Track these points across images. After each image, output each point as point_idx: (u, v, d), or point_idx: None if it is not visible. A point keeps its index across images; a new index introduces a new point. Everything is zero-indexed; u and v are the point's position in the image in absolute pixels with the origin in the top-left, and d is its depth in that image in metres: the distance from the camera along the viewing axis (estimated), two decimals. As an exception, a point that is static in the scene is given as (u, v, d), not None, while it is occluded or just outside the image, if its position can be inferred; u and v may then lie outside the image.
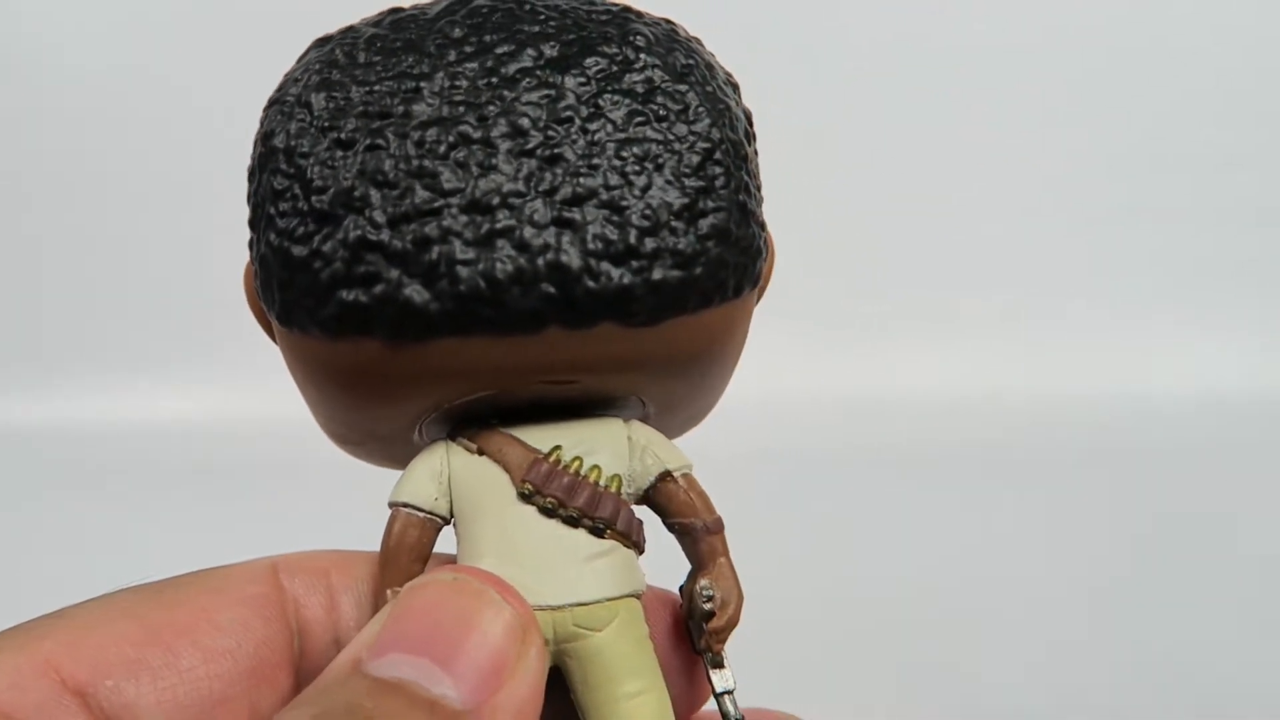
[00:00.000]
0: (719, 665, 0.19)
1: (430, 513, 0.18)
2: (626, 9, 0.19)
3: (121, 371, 0.80)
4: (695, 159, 0.17)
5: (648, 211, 0.17)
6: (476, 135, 0.16)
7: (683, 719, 0.19)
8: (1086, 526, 0.58)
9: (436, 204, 0.16)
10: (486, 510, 0.18)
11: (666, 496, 0.19)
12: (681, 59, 0.18)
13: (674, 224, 0.17)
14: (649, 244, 0.17)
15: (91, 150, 0.81)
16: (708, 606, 0.18)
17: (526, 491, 0.18)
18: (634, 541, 0.18)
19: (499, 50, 0.17)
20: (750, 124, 0.19)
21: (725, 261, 0.17)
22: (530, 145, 0.17)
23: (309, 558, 0.20)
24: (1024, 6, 0.80)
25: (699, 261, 0.17)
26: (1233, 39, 0.80)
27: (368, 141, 0.16)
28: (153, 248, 0.81)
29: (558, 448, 0.18)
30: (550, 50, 0.17)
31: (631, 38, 0.18)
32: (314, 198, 0.16)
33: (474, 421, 0.19)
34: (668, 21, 0.19)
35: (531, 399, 0.18)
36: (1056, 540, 0.56)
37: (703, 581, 0.19)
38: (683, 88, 0.17)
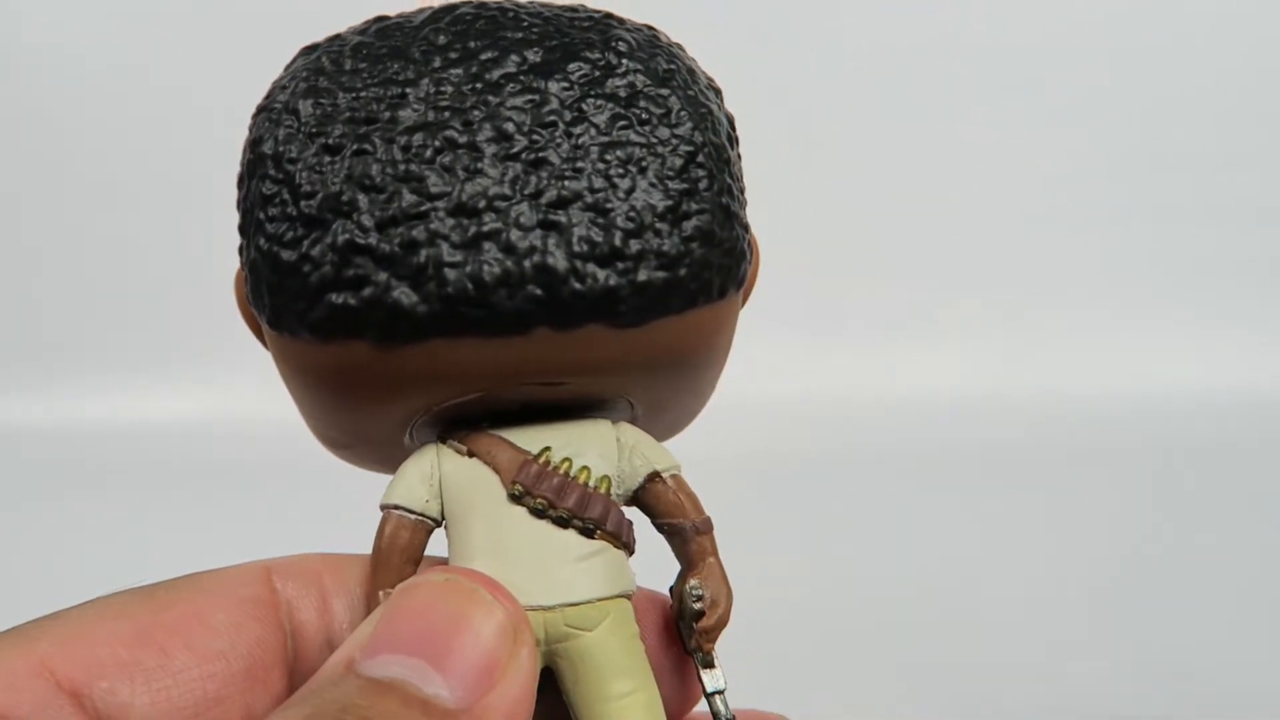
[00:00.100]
0: (709, 665, 0.19)
1: (421, 515, 0.18)
2: (609, 15, 0.19)
3: (121, 371, 0.80)
4: (678, 162, 0.17)
5: (632, 214, 0.17)
6: (462, 140, 0.17)
7: (674, 719, 0.19)
8: (1086, 526, 0.58)
9: (423, 207, 0.16)
10: (477, 512, 0.18)
11: (655, 497, 0.19)
12: (663, 64, 0.18)
13: (658, 226, 0.17)
14: (634, 246, 0.17)
15: (91, 150, 0.81)
16: (697, 606, 0.19)
17: (517, 493, 0.18)
18: (624, 542, 0.19)
19: (483, 56, 0.17)
20: (733, 128, 0.19)
21: (709, 263, 0.17)
22: (515, 149, 0.17)
23: (301, 560, 0.20)
24: (1024, 6, 0.80)
25: (683, 263, 0.17)
26: (1233, 39, 0.80)
27: (355, 147, 0.17)
28: (152, 248, 0.81)
29: (547, 449, 0.18)
30: (534, 56, 0.17)
31: (614, 43, 0.18)
32: (302, 203, 0.17)
33: (464, 424, 0.19)
34: (649, 28, 0.19)
35: (520, 401, 0.18)
36: (1056, 540, 0.56)
37: (692, 581, 0.19)
38: (665, 92, 0.18)
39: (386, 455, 0.20)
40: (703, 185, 0.17)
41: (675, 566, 0.20)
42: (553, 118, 0.17)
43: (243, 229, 0.18)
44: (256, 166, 0.17)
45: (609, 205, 0.17)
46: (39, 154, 0.81)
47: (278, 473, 0.62)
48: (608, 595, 0.18)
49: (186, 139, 0.79)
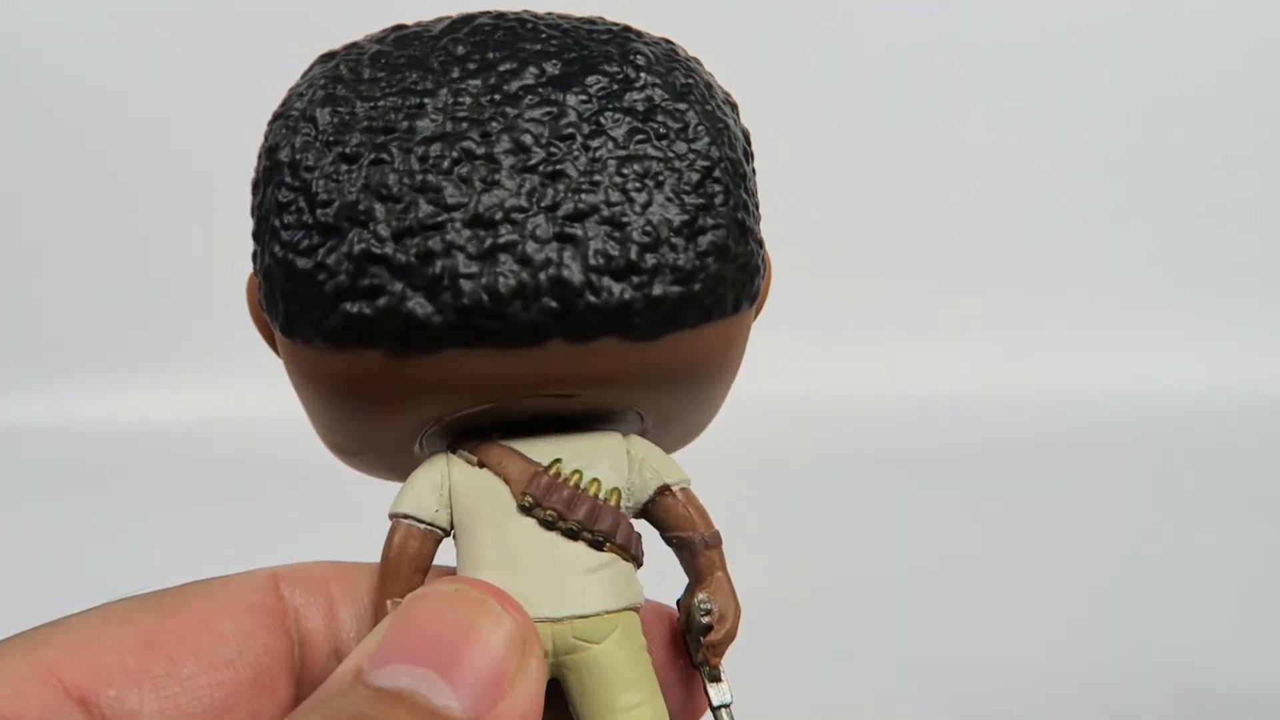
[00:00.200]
0: (716, 679, 0.19)
1: (431, 524, 0.18)
2: (627, 29, 0.19)
3: (121, 371, 0.80)
4: (695, 176, 0.17)
5: (648, 228, 0.17)
6: (480, 151, 0.17)
7: (679, 733, 0.19)
8: (1086, 526, 0.58)
9: (440, 218, 0.16)
10: (487, 522, 0.18)
11: (665, 510, 0.19)
12: (681, 78, 0.18)
13: (674, 240, 0.17)
14: (649, 260, 0.17)
15: (91, 150, 0.81)
16: (705, 620, 0.19)
17: (527, 504, 0.18)
18: (633, 555, 0.19)
19: (502, 68, 0.17)
20: (748, 143, 0.19)
21: (724, 278, 0.17)
22: (533, 161, 0.17)
23: (309, 568, 0.20)
24: (1024, 6, 0.80)
25: (698, 278, 0.17)
26: (1233, 39, 0.80)
27: (372, 156, 0.17)
28: (153, 248, 0.81)
29: (558, 461, 0.18)
30: (552, 68, 0.17)
31: (632, 57, 0.18)
32: (319, 211, 0.17)
33: (474, 434, 0.19)
34: (667, 41, 0.19)
35: (532, 412, 0.18)
36: (1056, 540, 0.56)
37: (701, 595, 0.19)
38: (682, 106, 0.18)
39: (396, 464, 0.20)
40: (719, 200, 0.17)
41: (681, 579, 0.20)
42: (570, 130, 0.17)
43: (257, 235, 0.18)
44: (273, 173, 0.17)
45: (625, 219, 0.17)
46: (39, 154, 0.81)
47: (278, 473, 0.62)
48: (616, 608, 0.18)
49: (186, 139, 0.79)
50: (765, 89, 0.71)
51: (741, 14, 0.78)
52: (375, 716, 0.14)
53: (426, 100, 0.17)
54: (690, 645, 0.19)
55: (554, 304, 0.16)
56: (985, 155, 0.81)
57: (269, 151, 0.18)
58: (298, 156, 0.17)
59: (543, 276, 0.16)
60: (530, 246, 0.16)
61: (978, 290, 0.81)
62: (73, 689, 0.16)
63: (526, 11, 0.19)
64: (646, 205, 0.17)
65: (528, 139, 0.17)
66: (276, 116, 0.18)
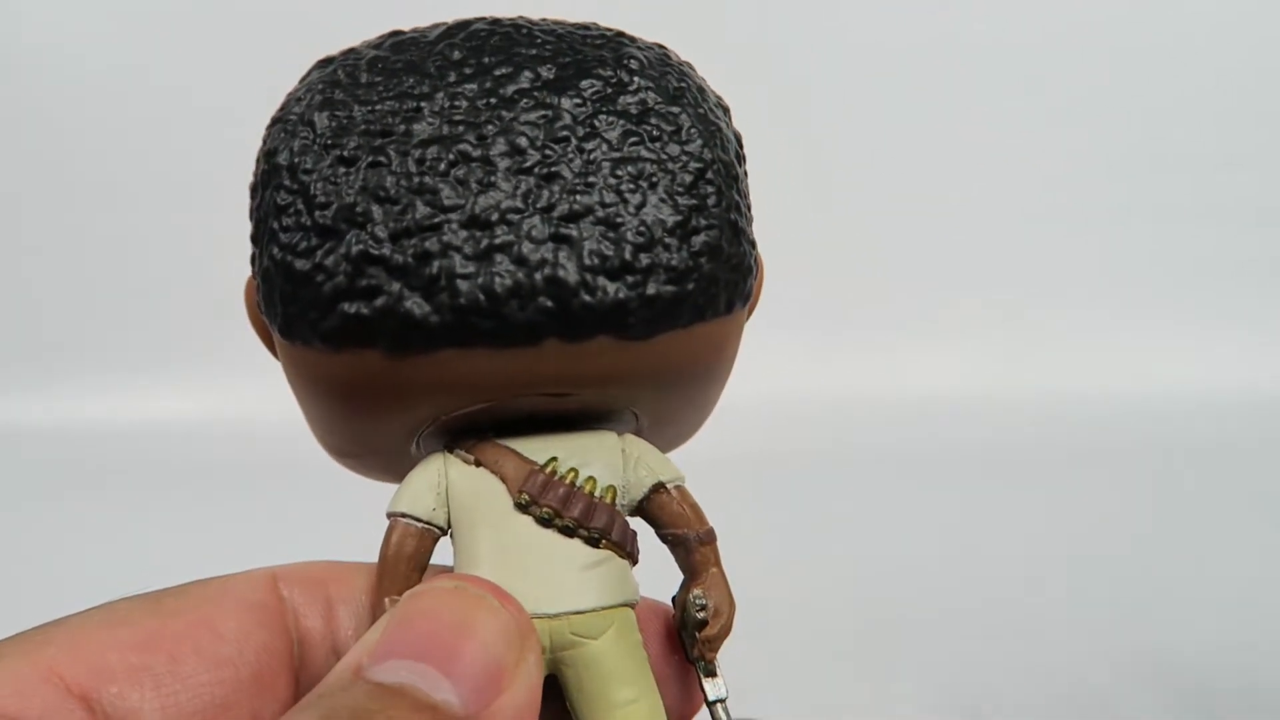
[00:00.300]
0: (712, 674, 0.19)
1: (428, 523, 0.18)
2: (620, 34, 0.19)
3: (121, 371, 0.80)
4: (688, 178, 0.17)
5: (642, 228, 0.17)
6: (476, 153, 0.17)
7: (676, 729, 0.19)
8: (1086, 526, 0.58)
9: (437, 219, 0.17)
10: (484, 520, 0.18)
11: (659, 507, 0.19)
12: (674, 82, 0.18)
13: (667, 240, 0.17)
14: (643, 260, 0.17)
15: (91, 150, 0.81)
16: (701, 616, 0.19)
17: (523, 502, 0.18)
18: (628, 552, 0.19)
19: (497, 72, 0.17)
20: (740, 146, 0.20)
21: (717, 278, 0.18)
22: (528, 163, 0.17)
23: (307, 568, 0.20)
24: (1024, 6, 0.80)
25: (692, 277, 0.17)
26: (1233, 39, 0.80)
27: (370, 159, 0.17)
28: (153, 248, 0.81)
29: (554, 459, 0.18)
30: (547, 72, 0.18)
31: (626, 61, 0.18)
32: (317, 213, 0.17)
33: (471, 433, 0.19)
34: (660, 46, 0.19)
35: (527, 411, 0.18)
36: (1056, 540, 0.56)
37: (695, 591, 0.19)
38: (675, 109, 0.18)
39: (393, 465, 0.20)
40: (711, 202, 0.18)
41: (675, 577, 0.20)
42: (565, 133, 0.17)
43: (255, 238, 0.18)
44: (271, 177, 0.18)
45: (619, 220, 0.17)
46: (39, 154, 0.81)
47: (278, 473, 0.62)
48: (612, 604, 0.18)
49: (186, 139, 0.79)
50: (765, 89, 0.72)
51: (740, 14, 0.79)
52: (375, 711, 0.14)
53: (423, 104, 0.17)
54: (685, 641, 0.19)
55: (549, 303, 0.17)
56: (985, 155, 0.81)
57: (267, 155, 0.18)
58: (296, 160, 0.17)
59: (538, 276, 0.16)
60: (526, 247, 0.17)
61: (978, 290, 0.81)
62: (74, 687, 0.16)
63: (521, 17, 0.19)
64: (640, 206, 0.17)
65: (523, 141, 0.17)
66: (275, 121, 0.18)
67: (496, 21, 0.19)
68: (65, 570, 0.56)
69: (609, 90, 0.18)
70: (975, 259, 0.81)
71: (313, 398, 0.19)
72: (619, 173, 0.17)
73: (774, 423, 0.69)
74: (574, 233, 0.17)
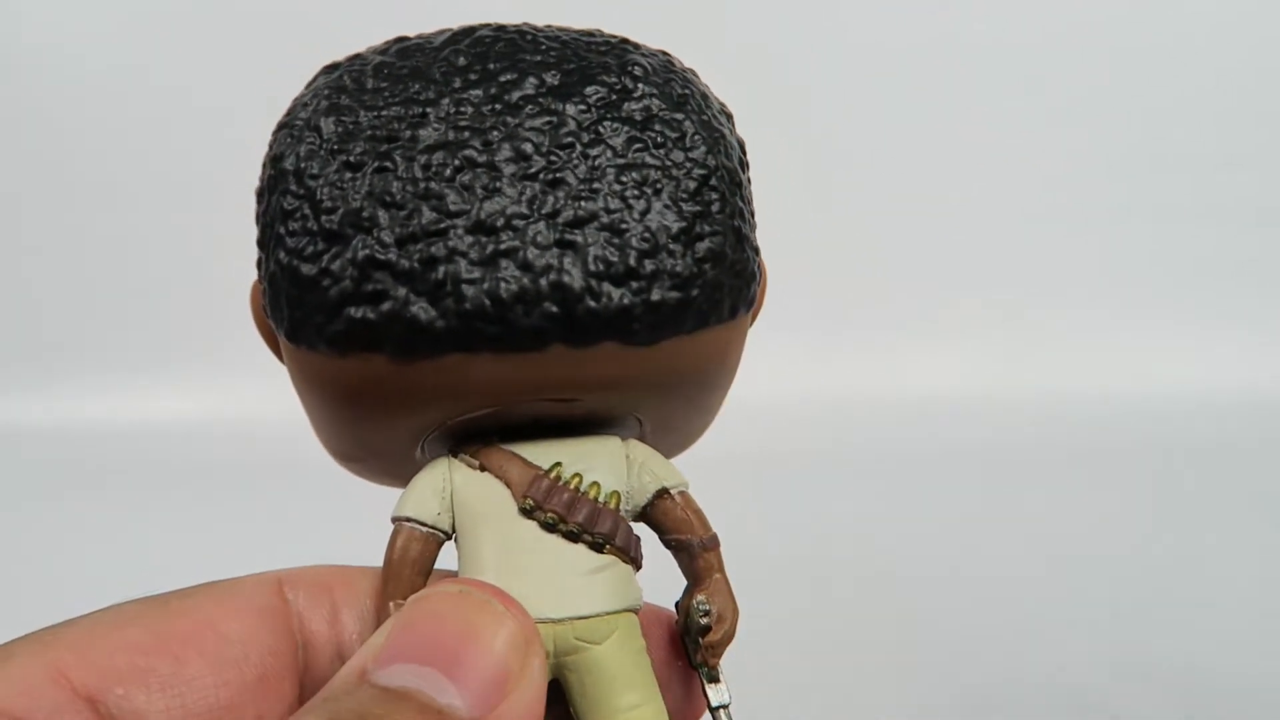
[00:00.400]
0: (715, 680, 0.19)
1: (433, 527, 0.18)
2: (625, 41, 0.19)
3: (121, 371, 0.80)
4: (692, 184, 0.18)
5: (646, 234, 0.17)
6: (481, 159, 0.17)
7: (679, 734, 0.19)
8: (1086, 526, 0.58)
9: (443, 225, 0.17)
10: (488, 525, 0.18)
11: (663, 513, 0.19)
12: (678, 88, 0.18)
13: (672, 247, 0.17)
14: (648, 266, 0.17)
15: (91, 150, 0.81)
16: (704, 621, 0.19)
17: (528, 507, 0.18)
18: (632, 557, 0.19)
19: (503, 78, 0.18)
20: (744, 152, 0.20)
21: (721, 284, 0.18)
22: (533, 169, 0.17)
23: (312, 572, 0.20)
24: (1024, 6, 0.80)
25: (696, 283, 0.17)
26: (1233, 39, 0.80)
27: (376, 164, 0.17)
28: (153, 248, 0.81)
29: (558, 464, 0.19)
30: (552, 79, 0.18)
31: (630, 68, 0.18)
32: (323, 218, 0.17)
33: (476, 438, 0.19)
34: (664, 53, 0.20)
35: (532, 417, 0.18)
36: (1056, 540, 0.56)
37: (699, 597, 0.19)
38: (679, 116, 0.18)
39: (397, 469, 0.20)
40: (715, 208, 0.18)
41: (678, 582, 0.20)
42: (570, 139, 0.17)
43: (262, 243, 0.18)
44: (278, 182, 0.18)
45: (624, 226, 0.17)
46: (39, 154, 0.81)
47: (278, 473, 0.62)
48: (616, 609, 0.18)
49: (186, 139, 0.79)
50: (765, 89, 0.72)
51: (741, 15, 0.79)
52: (381, 715, 0.14)
53: (429, 110, 0.17)
54: (689, 646, 0.19)
55: (554, 309, 0.17)
56: (985, 155, 0.81)
57: (274, 160, 0.18)
58: (302, 165, 0.17)
59: (543, 282, 0.17)
60: (531, 252, 0.17)
61: (978, 290, 0.81)
62: (81, 688, 0.16)
63: (526, 24, 0.19)
64: (645, 212, 0.17)
65: (528, 147, 0.17)
66: (281, 126, 0.18)
67: (501, 28, 0.19)
68: (65, 570, 0.56)
69: (613, 97, 0.18)
70: (975, 259, 0.81)
71: (318, 402, 0.19)
72: (623, 179, 0.17)
73: (774, 423, 0.69)
74: (579, 238, 0.17)
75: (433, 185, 0.17)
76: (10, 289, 0.83)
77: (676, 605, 0.20)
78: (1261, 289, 0.82)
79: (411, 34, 0.19)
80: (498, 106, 0.17)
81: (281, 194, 0.17)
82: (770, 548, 0.52)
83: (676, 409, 0.20)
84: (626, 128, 0.17)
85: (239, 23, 0.78)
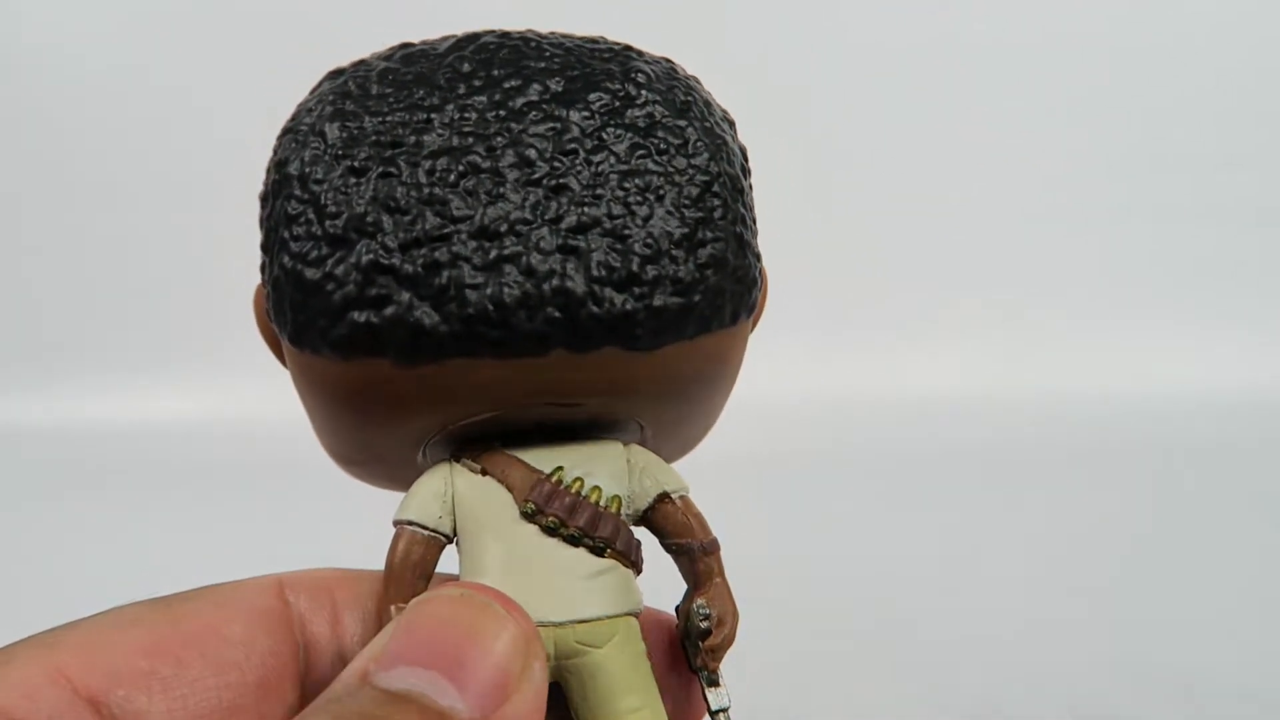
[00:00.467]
0: (714, 684, 0.19)
1: (434, 531, 0.19)
2: (628, 48, 0.19)
3: (121, 371, 0.80)
4: (694, 191, 0.18)
5: (649, 240, 0.17)
6: (485, 165, 0.17)
7: (679, 737, 0.19)
8: (1086, 526, 0.58)
9: (446, 230, 0.17)
10: (489, 529, 0.18)
11: (664, 517, 0.19)
12: (681, 95, 0.18)
13: (674, 253, 0.17)
14: (650, 271, 0.17)
15: (91, 150, 0.81)
16: (704, 625, 0.19)
17: (529, 511, 0.18)
18: (632, 561, 0.19)
19: (507, 84, 0.18)
20: (746, 159, 0.20)
21: (723, 290, 0.18)
22: (537, 175, 0.17)
23: (314, 575, 0.20)
24: (1024, 6, 0.80)
25: (698, 289, 0.17)
26: (1233, 39, 0.80)
27: (380, 169, 0.17)
28: (153, 248, 0.81)
29: (559, 469, 0.19)
30: (556, 85, 0.18)
31: (633, 74, 0.18)
32: (328, 222, 0.17)
33: (477, 443, 0.19)
34: (667, 60, 0.20)
35: (534, 421, 0.18)
36: (1056, 540, 0.56)
37: (699, 601, 0.19)
38: (682, 123, 0.18)
39: (399, 473, 0.20)
40: (717, 214, 0.18)
41: (678, 586, 0.20)
42: (573, 145, 0.17)
43: (266, 247, 0.18)
44: (282, 186, 0.18)
45: (627, 232, 0.17)
46: (39, 154, 0.81)
47: (278, 473, 0.62)
48: (616, 613, 0.18)
49: (186, 139, 0.79)
50: (765, 89, 0.72)
51: (741, 15, 0.79)
52: (383, 717, 0.14)
53: (433, 115, 0.17)
54: (689, 650, 0.20)
55: (557, 314, 0.17)
56: (985, 155, 0.81)
57: (278, 165, 0.18)
58: (307, 170, 0.17)
59: (546, 287, 0.17)
60: (534, 258, 0.17)
61: (978, 290, 0.81)
62: (83, 690, 0.16)
63: (530, 31, 0.19)
64: (647, 218, 0.17)
65: (532, 153, 0.17)
66: (286, 131, 0.18)
67: (506, 34, 0.19)
68: (65, 570, 0.56)
69: (617, 103, 0.18)
70: (975, 259, 0.81)
71: (321, 405, 0.19)
72: (626, 185, 0.17)
73: (774, 423, 0.69)
74: (582, 244, 0.17)
75: (437, 190, 0.17)
76: (10, 289, 0.83)
77: (677, 609, 0.20)
78: (1261, 289, 0.82)
79: (416, 40, 0.19)
80: (502, 113, 0.17)
81: (286, 198, 0.17)
82: (770, 548, 0.52)
83: (678, 413, 0.20)
84: (630, 134, 0.18)
85: (239, 23, 0.78)
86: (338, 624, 0.20)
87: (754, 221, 0.19)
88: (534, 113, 0.17)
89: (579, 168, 0.17)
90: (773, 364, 0.67)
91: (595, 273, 0.17)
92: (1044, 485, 0.64)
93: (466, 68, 0.18)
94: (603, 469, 0.19)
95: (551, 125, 0.17)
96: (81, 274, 0.82)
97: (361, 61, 0.19)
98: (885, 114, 0.81)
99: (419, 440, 0.19)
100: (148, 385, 0.79)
